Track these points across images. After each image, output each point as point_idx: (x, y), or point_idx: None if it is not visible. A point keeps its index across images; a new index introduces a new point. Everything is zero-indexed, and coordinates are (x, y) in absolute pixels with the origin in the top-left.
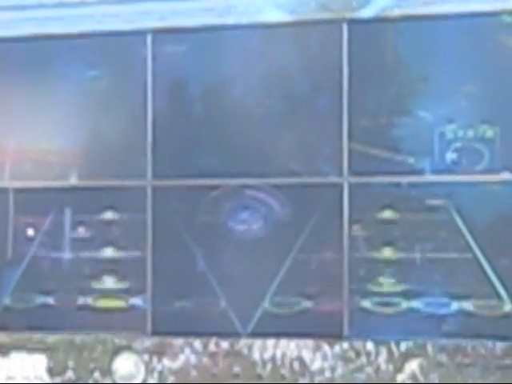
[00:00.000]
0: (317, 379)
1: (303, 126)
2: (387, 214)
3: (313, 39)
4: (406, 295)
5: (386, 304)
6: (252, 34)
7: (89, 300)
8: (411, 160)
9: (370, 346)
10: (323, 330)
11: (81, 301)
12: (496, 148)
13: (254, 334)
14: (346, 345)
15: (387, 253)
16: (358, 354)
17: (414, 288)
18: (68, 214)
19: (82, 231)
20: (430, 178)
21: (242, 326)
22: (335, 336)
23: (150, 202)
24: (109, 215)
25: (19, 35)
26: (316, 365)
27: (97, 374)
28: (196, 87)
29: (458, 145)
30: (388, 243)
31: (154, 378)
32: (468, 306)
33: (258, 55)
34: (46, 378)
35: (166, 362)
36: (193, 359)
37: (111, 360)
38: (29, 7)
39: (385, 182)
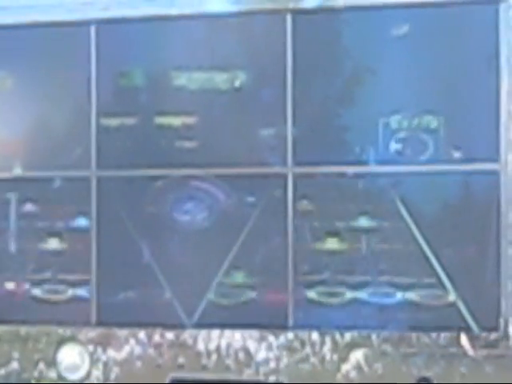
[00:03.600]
0: (262, 369)
1: (248, 116)
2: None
3: (257, 29)
4: (351, 286)
5: (331, 294)
6: (196, 24)
7: (34, 291)
8: (356, 150)
9: (314, 336)
10: (268, 320)
11: (25, 291)
12: (440, 138)
13: (199, 325)
14: (290, 335)
15: (331, 244)
16: (302, 344)
17: (358, 278)
18: (13, 203)
19: (26, 222)
20: (374, 168)
21: (187, 316)
22: (280, 326)
23: (95, 192)
24: (53, 206)
25: None
26: (261, 355)
27: (42, 365)
28: (139, 78)
29: (403, 135)
30: (332, 234)
31: (99, 369)
32: (413, 296)
33: (201, 46)
34: None
35: (111, 352)
36: (138, 350)
37: (56, 351)
38: None
39: (330, 172)
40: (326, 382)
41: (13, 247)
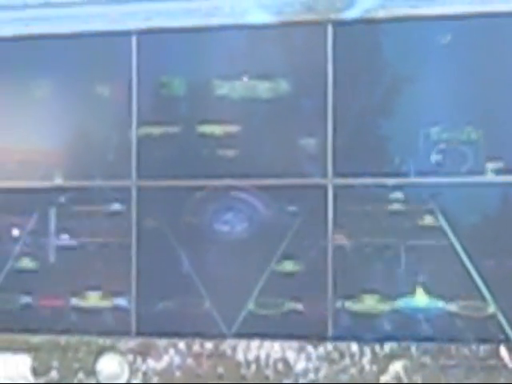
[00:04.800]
0: (301, 380)
1: (288, 126)
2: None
3: (298, 40)
4: (391, 297)
5: (370, 305)
6: (237, 35)
7: (74, 301)
8: (396, 161)
9: (354, 347)
10: (307, 331)
11: (66, 302)
12: (480, 149)
13: (239, 335)
14: (330, 346)
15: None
16: (342, 355)
17: (398, 289)
18: (53, 213)
19: (66, 232)
20: (414, 179)
21: (227, 326)
22: (319, 337)
23: (135, 202)
24: (94, 215)
25: (4, 35)
26: (300, 366)
27: (81, 375)
28: (181, 88)
29: (443, 146)
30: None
31: (138, 379)
32: (452, 307)
33: (242, 56)
34: (31, 378)
35: (151, 362)
36: (177, 360)
37: (95, 360)
38: (13, 7)
39: (369, 183)
40: None
41: (53, 256)
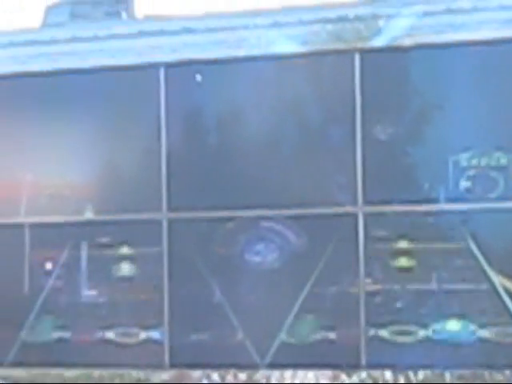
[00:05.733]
0: None
1: (317, 156)
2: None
3: (325, 69)
4: (422, 324)
5: (403, 333)
6: (264, 65)
7: (107, 334)
8: (425, 188)
9: (387, 374)
10: (341, 359)
11: (99, 335)
12: (510, 175)
13: (272, 365)
14: (363, 374)
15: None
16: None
17: (430, 317)
18: (84, 247)
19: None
20: (444, 206)
21: (260, 357)
22: (353, 365)
23: (166, 234)
24: (125, 249)
25: (33, 71)
26: None
27: None
28: (209, 119)
29: (472, 172)
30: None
31: None
32: (486, 333)
33: (270, 86)
34: None
35: None
36: None
37: None
38: (41, 42)
39: (400, 211)
40: None
41: (85, 290)
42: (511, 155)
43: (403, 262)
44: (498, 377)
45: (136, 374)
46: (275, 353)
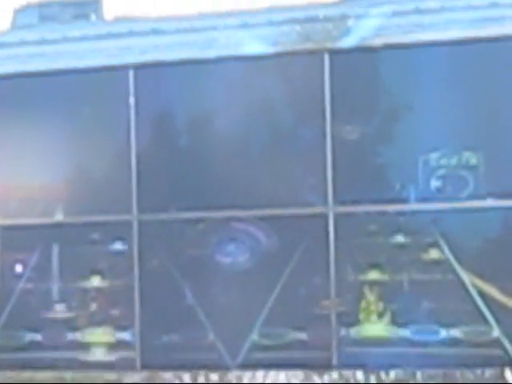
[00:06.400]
0: None
1: (287, 156)
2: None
3: (295, 70)
4: (395, 324)
5: (374, 335)
6: (234, 66)
7: (77, 336)
8: (396, 188)
9: (359, 375)
10: (312, 360)
11: (70, 337)
12: (480, 174)
13: (244, 366)
14: (335, 374)
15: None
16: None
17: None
18: (55, 249)
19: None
20: (414, 205)
21: (231, 357)
22: (324, 366)
23: (136, 236)
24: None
25: (1, 73)
26: None
27: None
28: (179, 121)
29: (442, 172)
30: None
31: None
32: (456, 333)
33: (240, 87)
34: None
35: None
36: None
37: None
38: (10, 44)
39: (371, 211)
40: None
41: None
42: (481, 155)
43: (374, 262)
44: (469, 375)
45: (108, 375)
46: (246, 354)
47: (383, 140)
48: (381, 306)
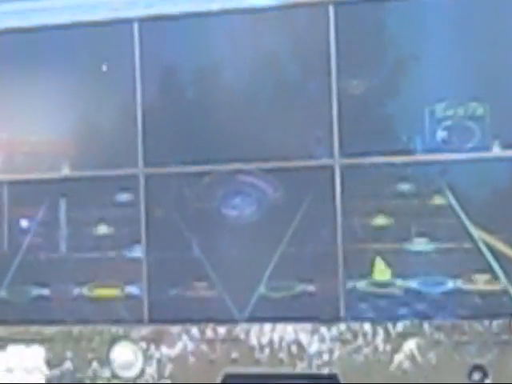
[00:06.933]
0: (315, 362)
1: (293, 109)
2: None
3: (299, 22)
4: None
5: (381, 285)
6: (238, 19)
7: (84, 291)
8: (402, 139)
9: (366, 327)
10: (320, 312)
11: (76, 291)
12: (486, 125)
13: (251, 319)
14: (343, 326)
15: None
16: (355, 336)
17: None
18: (62, 204)
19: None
20: (421, 157)
21: (239, 311)
22: (332, 318)
23: (143, 189)
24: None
25: (6, 27)
26: (314, 347)
27: (95, 364)
28: (184, 74)
29: (449, 123)
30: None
31: (152, 366)
32: (464, 284)
33: (245, 40)
34: (45, 369)
35: (164, 349)
36: (190, 346)
37: (109, 349)
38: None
39: (377, 163)
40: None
41: (64, 248)
42: (487, 105)
43: (381, 212)
44: (477, 327)
45: (115, 329)
46: (254, 307)
47: (389, 92)
48: (388, 257)
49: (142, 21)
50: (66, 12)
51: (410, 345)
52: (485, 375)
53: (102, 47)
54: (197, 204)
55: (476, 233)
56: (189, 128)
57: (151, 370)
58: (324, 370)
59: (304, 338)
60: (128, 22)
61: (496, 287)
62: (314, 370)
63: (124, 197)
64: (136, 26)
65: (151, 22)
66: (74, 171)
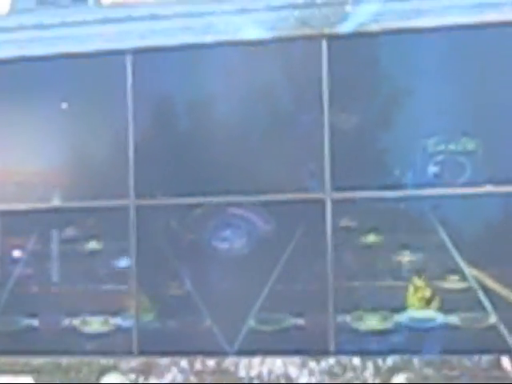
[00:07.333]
0: None
1: (285, 141)
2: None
3: (293, 55)
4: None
5: (371, 319)
6: (232, 51)
7: (75, 322)
8: (394, 174)
9: (356, 361)
10: (309, 346)
11: (67, 323)
12: (478, 160)
13: (240, 352)
14: (332, 360)
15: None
16: (344, 370)
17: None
18: (52, 234)
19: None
20: (413, 191)
21: (228, 343)
22: (321, 352)
23: (134, 221)
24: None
25: (0, 57)
26: (302, 381)
27: None
28: (177, 106)
29: (440, 158)
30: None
31: None
32: (454, 319)
33: (238, 72)
34: None
35: (153, 381)
36: (179, 378)
37: (98, 381)
38: (9, 29)
39: (368, 197)
40: None
41: (53, 278)
42: (478, 140)
43: (371, 246)
44: (466, 362)
45: (104, 361)
46: (243, 340)
47: (381, 125)
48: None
49: (135, 52)
50: (60, 43)
51: (400, 379)
52: None
53: (95, 78)
54: (187, 236)
55: (467, 269)
56: (180, 160)
57: None
58: None
59: (293, 371)
60: (121, 53)
61: (486, 323)
62: None
63: (115, 228)
64: (129, 58)
65: (144, 54)
66: (64, 202)
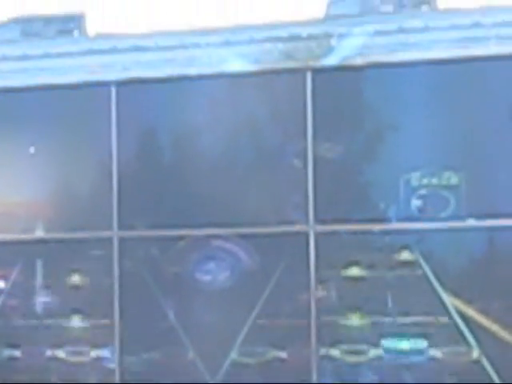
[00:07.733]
0: None
1: (269, 174)
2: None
3: (277, 88)
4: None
5: (354, 352)
6: (216, 83)
7: (57, 353)
8: (378, 207)
9: None
10: (292, 379)
11: (49, 354)
12: (461, 194)
13: None
14: None
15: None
16: None
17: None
18: (36, 265)
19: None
20: (396, 225)
21: (211, 376)
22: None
23: (117, 252)
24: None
25: None
26: None
27: None
28: (161, 138)
29: (424, 192)
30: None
31: None
32: (437, 353)
33: (222, 104)
34: None
35: None
36: None
37: None
38: None
39: (352, 230)
40: None
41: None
42: (462, 174)
43: (355, 280)
44: None
45: None
46: (226, 372)
47: (365, 159)
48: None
49: (120, 84)
50: (44, 74)
51: None
52: None
53: (79, 109)
54: (171, 268)
55: (450, 302)
56: (164, 192)
57: None
58: None
59: None
60: (105, 85)
61: (469, 357)
62: None
63: (98, 260)
64: (113, 89)
65: (128, 85)
66: (48, 233)
